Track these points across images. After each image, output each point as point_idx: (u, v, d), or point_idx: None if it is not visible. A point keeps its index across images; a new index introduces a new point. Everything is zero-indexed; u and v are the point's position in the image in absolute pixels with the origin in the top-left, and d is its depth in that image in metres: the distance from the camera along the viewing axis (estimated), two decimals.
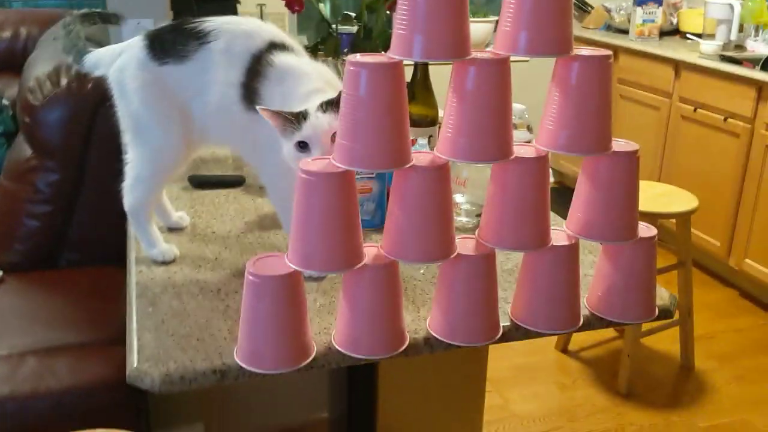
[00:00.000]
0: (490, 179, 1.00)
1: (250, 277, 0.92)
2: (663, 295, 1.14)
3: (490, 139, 0.93)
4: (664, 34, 3.89)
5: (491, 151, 0.94)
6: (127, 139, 1.25)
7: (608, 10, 4.17)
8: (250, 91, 1.15)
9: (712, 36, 3.54)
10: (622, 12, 4.06)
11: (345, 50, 1.87)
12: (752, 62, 3.19)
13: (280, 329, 0.94)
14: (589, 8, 4.23)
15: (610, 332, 2.91)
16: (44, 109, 2.08)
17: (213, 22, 1.18)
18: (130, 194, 1.25)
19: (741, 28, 3.50)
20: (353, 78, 0.89)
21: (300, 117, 1.08)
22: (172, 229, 1.36)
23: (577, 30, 4.20)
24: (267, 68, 1.15)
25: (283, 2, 1.76)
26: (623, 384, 2.56)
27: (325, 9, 1.80)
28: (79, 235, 2.23)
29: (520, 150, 0.98)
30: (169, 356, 0.97)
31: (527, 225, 0.99)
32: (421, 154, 0.95)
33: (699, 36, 3.69)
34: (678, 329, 2.73)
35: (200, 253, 1.27)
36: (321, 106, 1.08)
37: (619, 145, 1.00)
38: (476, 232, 1.03)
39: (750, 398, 2.56)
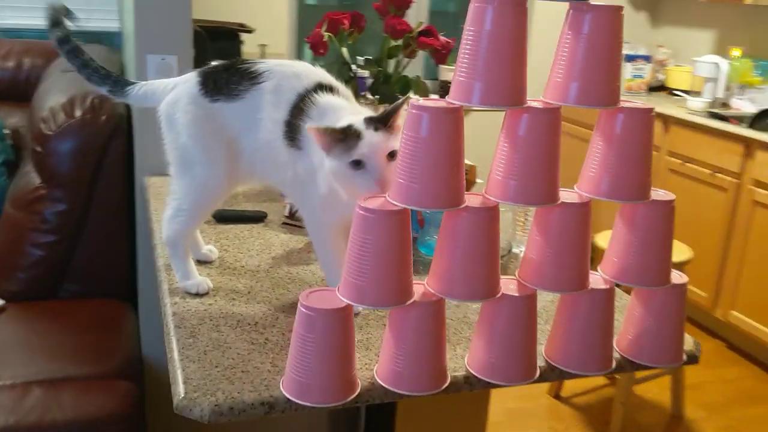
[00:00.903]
0: (534, 222, 1.04)
1: (303, 310, 0.94)
2: (688, 340, 1.18)
3: (539, 183, 0.97)
4: (651, 89, 4.02)
5: (539, 194, 0.98)
6: (172, 170, 1.27)
7: None
8: (293, 127, 1.18)
9: (699, 93, 3.67)
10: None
11: (362, 93, 1.92)
12: (738, 119, 3.31)
13: (329, 363, 0.95)
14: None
15: (601, 379, 2.94)
16: (57, 139, 2.09)
17: (265, 64, 1.21)
18: (169, 225, 1.26)
19: (727, 87, 3.64)
20: (415, 120, 0.92)
21: (351, 134, 1.07)
22: (202, 262, 1.37)
23: None
24: (310, 106, 1.18)
25: (308, 45, 1.80)
26: (616, 431, 2.58)
27: (346, 53, 1.85)
28: (81, 267, 2.22)
29: (564, 195, 1.01)
30: (216, 387, 0.97)
31: (568, 268, 1.02)
32: (471, 195, 0.99)
33: (686, 92, 3.82)
34: (667, 378, 2.77)
35: (232, 286, 1.28)
36: (368, 121, 1.08)
37: (656, 194, 1.05)
38: (516, 273, 1.06)
39: (720, 426, 2.60)
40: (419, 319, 0.98)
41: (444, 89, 3.72)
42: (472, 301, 1.02)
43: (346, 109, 1.18)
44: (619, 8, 0.95)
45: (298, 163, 1.19)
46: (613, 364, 1.10)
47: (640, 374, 2.62)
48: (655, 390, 2.86)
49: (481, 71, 0.92)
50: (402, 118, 1.01)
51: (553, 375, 1.09)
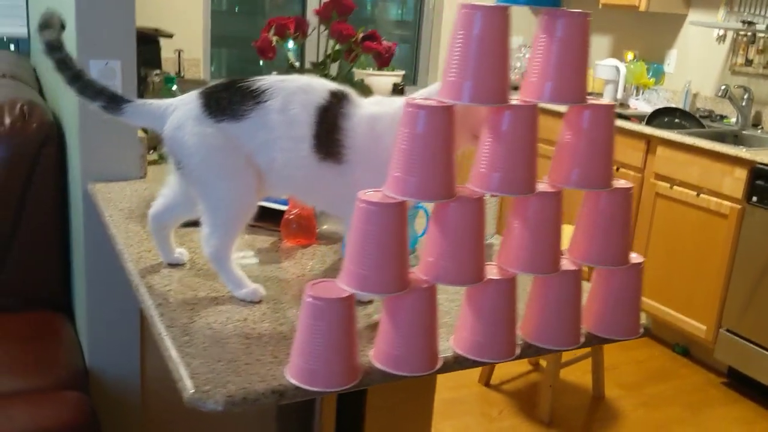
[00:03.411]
0: (512, 211, 1.12)
1: (311, 300, 0.99)
2: (641, 315, 1.30)
3: (520, 174, 1.06)
4: None
5: (520, 185, 1.06)
6: (194, 191, 1.27)
7: None
8: (329, 143, 1.19)
9: (600, 94, 3.92)
10: (518, 70, 4.40)
11: None
12: (638, 118, 3.57)
13: (336, 349, 1.00)
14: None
15: (526, 365, 3.10)
16: None
17: (265, 81, 1.22)
18: (207, 243, 1.25)
19: (624, 88, 3.91)
20: (411, 117, 0.99)
21: None
22: (173, 265, 1.38)
23: None
24: (344, 120, 1.21)
25: (255, 50, 1.83)
26: (545, 413, 2.73)
27: (293, 57, 1.89)
28: (12, 279, 2.14)
29: (538, 186, 1.11)
30: (225, 380, 1.00)
31: (544, 252, 1.11)
32: (457, 188, 1.06)
33: (589, 94, 4.06)
34: (588, 362, 2.96)
35: (210, 286, 1.30)
36: None
37: (617, 183, 1.16)
38: (493, 258, 1.14)
39: (655, 423, 2.80)
40: (415, 304, 1.04)
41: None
42: (461, 284, 1.09)
43: (382, 113, 1.21)
44: (587, 14, 1.05)
45: (336, 176, 1.21)
46: (582, 339, 1.21)
47: (566, 357, 2.79)
48: (578, 373, 3.05)
49: (470, 71, 1.00)
50: None
51: (530, 351, 1.18)
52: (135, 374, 2.07)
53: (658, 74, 4.06)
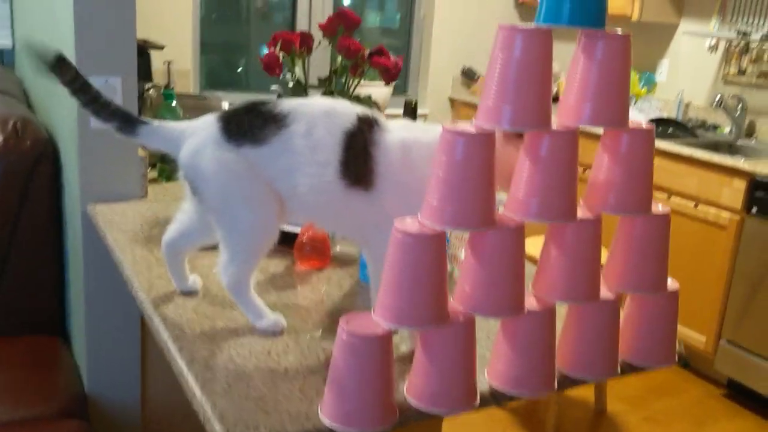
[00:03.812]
0: (549, 237, 1.08)
1: (347, 338, 0.94)
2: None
3: (560, 201, 1.02)
4: None
5: (560, 211, 1.02)
6: (212, 218, 1.21)
7: None
8: (357, 169, 1.15)
9: None
10: None
11: None
12: None
13: (373, 389, 0.95)
14: (476, 76, 4.52)
15: None
16: None
17: (287, 105, 1.17)
18: (226, 272, 1.20)
19: None
20: (449, 145, 0.95)
21: None
22: (186, 293, 1.32)
23: (467, 96, 4.48)
24: (373, 146, 1.15)
25: (262, 66, 1.78)
26: (551, 429, 2.69)
27: (300, 73, 1.84)
28: (6, 302, 2.07)
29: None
30: (256, 420, 0.95)
31: (584, 279, 1.07)
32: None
33: None
34: None
35: (228, 315, 1.25)
36: None
37: (656, 207, 1.12)
38: (531, 287, 1.10)
39: None
40: (454, 338, 1.00)
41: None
42: (501, 317, 1.04)
43: (414, 139, 1.16)
44: (628, 35, 1.02)
45: (364, 203, 1.16)
46: (619, 370, 1.17)
47: None
48: (579, 387, 3.01)
49: (510, 95, 0.96)
50: None
51: (567, 383, 1.13)
52: (135, 400, 2.00)
53: (650, 84, 4.06)
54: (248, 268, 1.20)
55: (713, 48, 3.75)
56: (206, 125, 1.19)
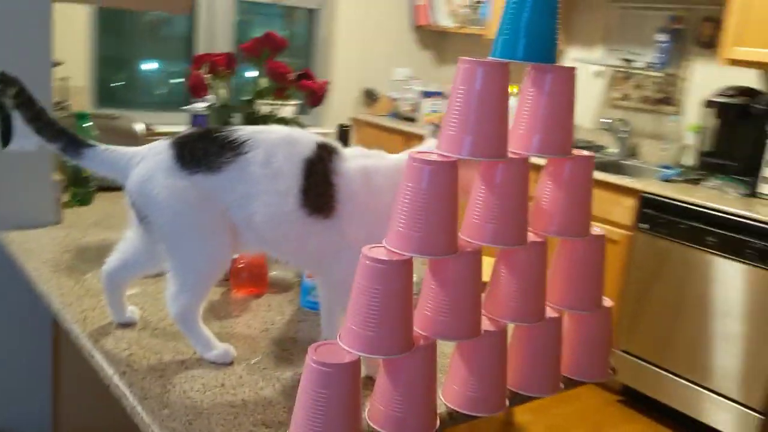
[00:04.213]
0: (499, 260, 1.12)
1: (317, 366, 0.94)
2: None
3: (513, 226, 1.06)
4: None
5: (514, 236, 1.07)
6: (161, 247, 1.16)
7: (393, 99, 4.56)
8: (318, 197, 1.14)
9: None
10: (407, 101, 4.47)
11: None
12: None
13: (345, 416, 0.95)
14: (377, 97, 4.59)
15: None
16: None
17: (243, 132, 1.15)
18: (175, 303, 1.16)
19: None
20: (416, 172, 0.97)
21: None
22: (124, 325, 1.27)
23: (368, 116, 4.54)
24: (334, 174, 1.15)
25: (187, 88, 1.74)
26: None
27: (225, 95, 1.82)
28: None
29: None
30: None
31: (533, 300, 1.12)
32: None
33: None
34: None
35: (173, 347, 1.21)
36: None
37: (593, 230, 1.19)
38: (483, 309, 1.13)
39: None
40: (417, 363, 1.02)
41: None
42: (462, 339, 1.07)
43: (374, 167, 1.18)
44: (573, 68, 1.08)
45: (325, 230, 1.15)
46: (562, 385, 1.22)
47: None
48: None
49: (471, 126, 0.99)
50: None
51: (517, 400, 1.18)
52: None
53: None
54: (198, 298, 1.17)
55: (600, 74, 3.99)
56: (157, 151, 1.16)
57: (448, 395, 1.12)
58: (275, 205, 1.14)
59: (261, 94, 1.89)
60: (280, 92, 1.89)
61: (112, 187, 2.08)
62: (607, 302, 1.25)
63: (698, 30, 3.56)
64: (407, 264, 0.97)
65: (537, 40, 1.03)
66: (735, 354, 2.84)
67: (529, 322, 1.13)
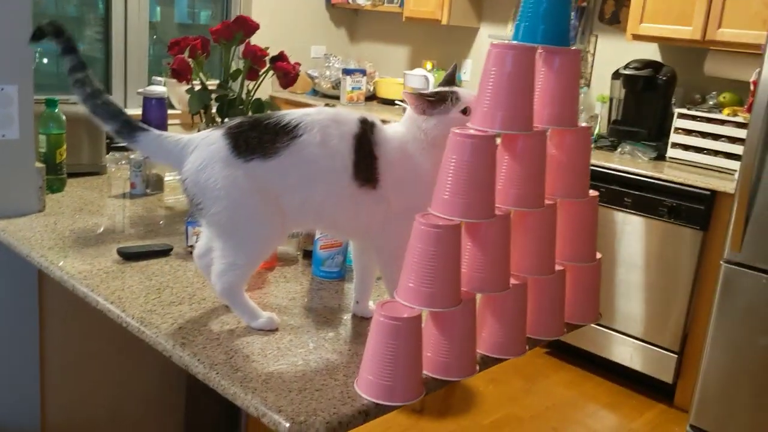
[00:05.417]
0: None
1: (385, 320, 1.05)
2: None
3: (534, 191, 1.21)
4: (367, 99, 4.49)
5: (533, 201, 1.21)
6: (213, 232, 1.23)
7: (312, 77, 4.62)
8: (366, 170, 1.22)
9: None
10: (327, 79, 4.55)
11: None
12: None
13: (411, 365, 1.08)
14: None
15: None
16: None
17: (293, 116, 1.21)
18: (221, 279, 1.22)
19: None
20: (460, 146, 1.09)
21: (451, 94, 1.25)
22: (171, 303, 1.33)
23: (286, 94, 4.58)
24: (376, 147, 1.24)
25: (170, 74, 1.77)
26: (417, 402, 2.93)
27: (204, 78, 1.86)
28: None
29: None
30: (312, 408, 1.02)
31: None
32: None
33: (402, 102, 4.35)
34: None
35: (219, 318, 1.28)
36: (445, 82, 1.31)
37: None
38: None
39: (506, 395, 3.14)
40: (466, 314, 1.15)
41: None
42: (499, 292, 1.20)
43: (396, 125, 1.29)
44: (578, 51, 1.23)
45: (375, 201, 1.24)
46: (527, 347, 1.35)
47: None
48: None
49: (503, 103, 1.13)
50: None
51: (490, 363, 1.26)
52: (35, 427, 1.89)
53: (457, 82, 4.46)
54: (245, 277, 1.25)
55: None
56: (210, 141, 1.21)
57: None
58: (334, 182, 1.21)
59: (234, 76, 1.95)
60: (253, 74, 1.95)
61: (80, 173, 2.09)
62: (599, 255, 1.43)
63: (602, 8, 3.84)
64: (457, 228, 1.10)
65: (553, 26, 1.17)
66: (652, 302, 3.16)
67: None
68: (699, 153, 3.22)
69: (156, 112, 2.17)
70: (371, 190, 1.24)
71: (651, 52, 3.65)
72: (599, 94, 3.81)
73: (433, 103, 1.24)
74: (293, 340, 1.24)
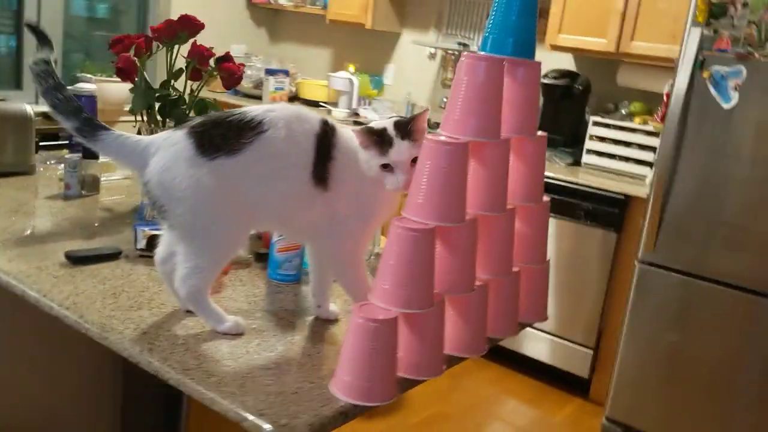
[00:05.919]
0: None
1: (364, 322, 1.07)
2: None
3: (496, 197, 1.26)
4: (290, 100, 4.46)
5: (497, 206, 1.26)
6: (177, 234, 1.20)
7: None
8: (323, 170, 1.22)
9: (336, 104, 4.23)
10: (249, 79, 4.49)
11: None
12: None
13: (388, 365, 1.10)
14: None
15: None
16: None
17: (255, 112, 1.19)
18: (185, 284, 1.20)
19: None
20: (436, 153, 1.12)
21: (386, 140, 1.19)
22: (133, 308, 1.29)
23: (205, 92, 4.48)
24: (333, 149, 1.23)
25: (114, 73, 1.72)
26: None
27: (147, 77, 1.81)
28: None
29: None
30: (291, 411, 1.03)
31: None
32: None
33: (327, 103, 4.35)
34: None
35: (182, 323, 1.26)
36: (396, 127, 1.21)
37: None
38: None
39: (434, 393, 3.21)
40: (438, 316, 1.18)
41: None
42: (466, 293, 1.24)
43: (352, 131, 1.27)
44: (539, 63, 1.29)
45: (325, 203, 1.24)
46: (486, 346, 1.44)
47: None
48: None
49: (474, 111, 1.17)
50: (422, 125, 1.21)
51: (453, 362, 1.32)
52: None
53: (379, 86, 4.51)
54: (209, 280, 1.24)
55: (432, 56, 4.31)
56: (173, 141, 1.19)
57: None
58: (295, 178, 1.21)
59: (176, 76, 1.91)
60: (196, 74, 1.92)
61: (6, 173, 2.00)
62: (547, 256, 1.50)
63: None
64: (433, 232, 1.13)
65: (522, 39, 1.22)
66: (569, 300, 3.31)
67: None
68: (612, 159, 3.40)
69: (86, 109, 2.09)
70: (323, 192, 1.24)
71: (567, 62, 3.82)
72: None
73: (373, 142, 1.22)
74: (261, 343, 1.24)
